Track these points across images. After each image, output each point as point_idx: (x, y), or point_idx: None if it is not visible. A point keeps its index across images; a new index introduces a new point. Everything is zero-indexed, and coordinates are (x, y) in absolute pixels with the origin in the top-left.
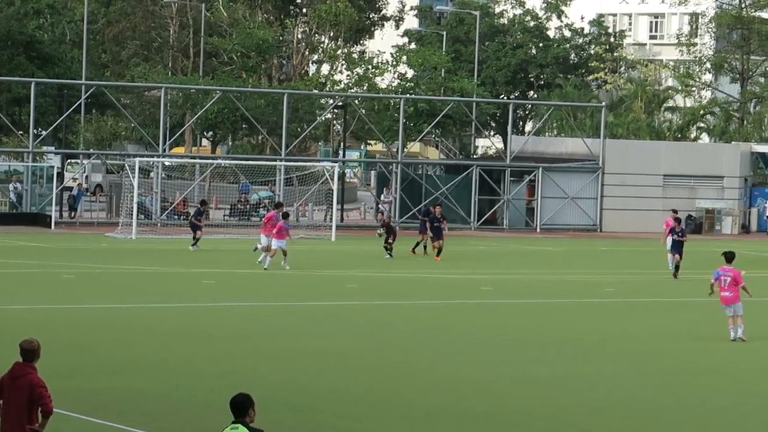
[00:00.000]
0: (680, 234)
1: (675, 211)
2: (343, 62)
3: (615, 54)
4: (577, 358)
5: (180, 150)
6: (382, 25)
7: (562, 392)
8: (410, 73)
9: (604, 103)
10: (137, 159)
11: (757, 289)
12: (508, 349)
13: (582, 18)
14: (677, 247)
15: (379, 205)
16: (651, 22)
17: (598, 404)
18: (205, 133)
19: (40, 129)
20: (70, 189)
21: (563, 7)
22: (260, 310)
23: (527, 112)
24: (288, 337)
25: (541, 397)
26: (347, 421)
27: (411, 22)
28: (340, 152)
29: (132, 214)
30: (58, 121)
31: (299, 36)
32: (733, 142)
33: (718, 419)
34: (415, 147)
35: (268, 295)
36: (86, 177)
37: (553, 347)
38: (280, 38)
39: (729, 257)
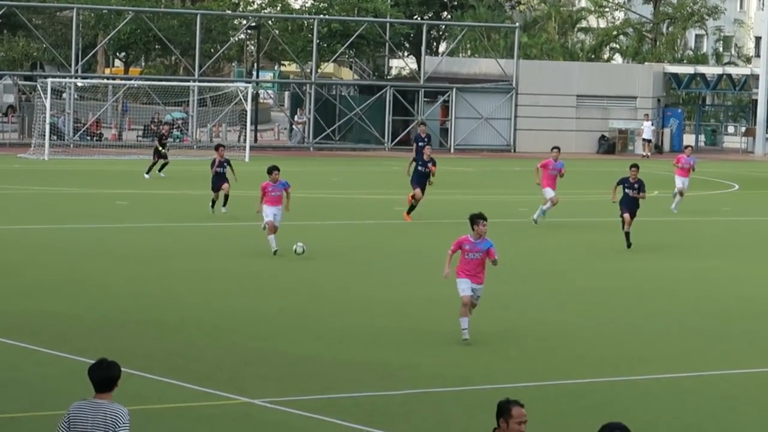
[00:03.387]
0: (636, 188)
1: (634, 167)
2: None
3: None
4: (490, 278)
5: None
6: None
7: (476, 312)
8: None
9: (517, 24)
10: (49, 80)
11: (666, 208)
12: (422, 269)
13: None
14: (629, 205)
15: (292, 125)
16: None
17: (511, 324)
18: (117, 54)
19: None
20: None
21: None
22: (174, 231)
23: (441, 33)
24: (202, 258)
25: (455, 317)
26: (262, 341)
27: None
28: (254, 73)
29: (44, 135)
30: None
31: None
32: (645, 63)
33: (630, 338)
34: (328, 68)
35: (183, 216)
36: None
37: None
38: None
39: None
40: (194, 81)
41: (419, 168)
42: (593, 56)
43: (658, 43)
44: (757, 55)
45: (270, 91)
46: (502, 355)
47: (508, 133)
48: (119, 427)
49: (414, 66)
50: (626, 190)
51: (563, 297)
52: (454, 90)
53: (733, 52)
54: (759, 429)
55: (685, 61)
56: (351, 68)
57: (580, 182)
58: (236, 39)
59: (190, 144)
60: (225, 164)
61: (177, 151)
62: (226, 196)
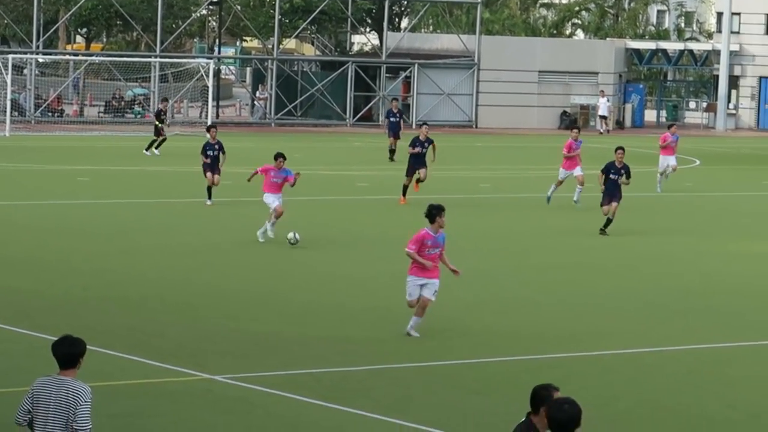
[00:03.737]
0: (622, 173)
1: (620, 149)
2: None
3: None
4: (452, 254)
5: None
6: None
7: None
8: None
9: (479, 0)
10: (10, 56)
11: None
12: (385, 245)
13: None
14: (613, 191)
15: (254, 101)
16: None
17: (472, 300)
18: (79, 29)
19: None
20: None
21: None
22: (136, 207)
23: (403, 9)
24: (164, 234)
25: None
26: (224, 318)
27: None
28: (216, 49)
29: (5, 112)
30: None
31: None
32: (607, 39)
33: (591, 314)
34: (290, 44)
35: (144, 192)
36: None
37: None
38: None
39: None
40: (156, 57)
41: (417, 148)
42: (555, 32)
43: (620, 18)
44: (719, 31)
45: (231, 67)
46: (464, 331)
47: (470, 108)
48: (80, 405)
49: (376, 42)
50: (612, 176)
51: (525, 273)
52: (416, 66)
53: (694, 28)
54: (718, 404)
55: (646, 37)
56: (313, 44)
57: (542, 157)
58: (198, 15)
59: (151, 120)
60: (218, 148)
61: (138, 127)
62: (210, 187)
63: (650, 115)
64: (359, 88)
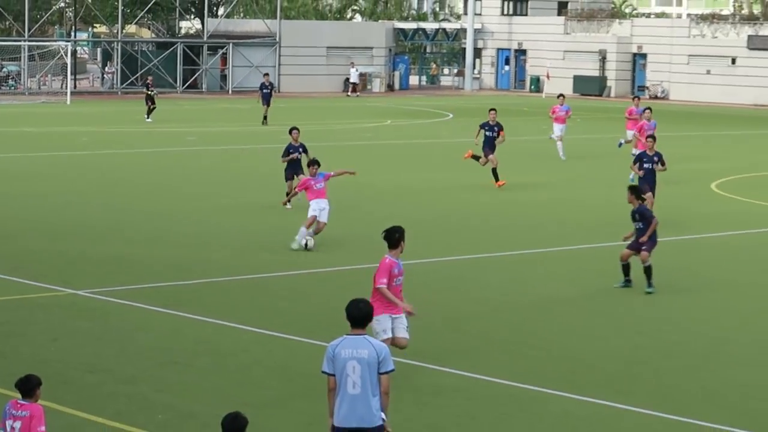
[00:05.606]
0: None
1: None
2: None
3: None
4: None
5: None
6: None
7: (249, 216)
8: None
9: None
10: None
11: (402, 134)
12: (213, 183)
13: None
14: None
15: (104, 75)
16: None
17: (283, 223)
18: None
19: None
20: None
21: None
22: (12, 161)
23: (220, 0)
24: (31, 182)
25: (241, 222)
26: (85, 245)
27: None
28: (72, 34)
29: None
30: None
31: None
32: (380, 21)
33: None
34: (132, 29)
35: (15, 148)
36: None
37: (256, 181)
38: None
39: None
40: (25, 41)
41: (487, 134)
42: (339, 16)
43: (389, 4)
44: (466, 13)
45: (85, 48)
46: (274, 249)
47: (274, 77)
48: None
49: (199, 26)
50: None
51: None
52: (231, 45)
53: (447, 11)
54: (475, 306)
55: (410, 19)
56: (149, 29)
57: (332, 115)
58: (57, 7)
59: (22, 91)
60: (300, 150)
61: (12, 97)
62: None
63: (414, 80)
64: (186, 63)
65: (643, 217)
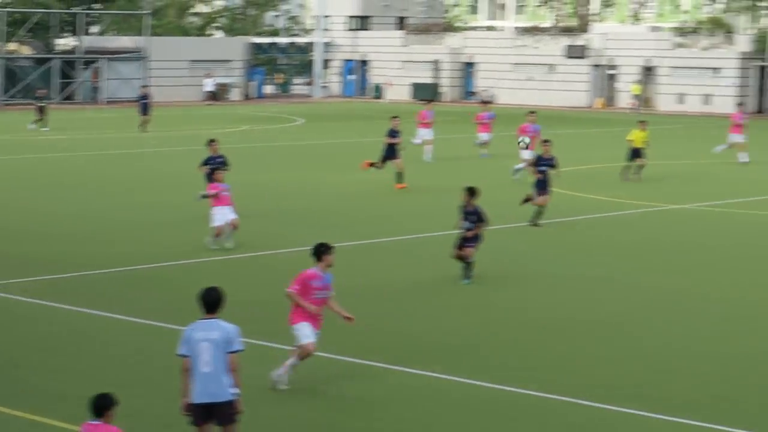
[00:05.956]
0: (548, 163)
1: (544, 141)
2: None
3: None
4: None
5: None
6: None
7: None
8: None
9: (148, 12)
10: None
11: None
12: (99, 188)
13: None
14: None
15: None
16: None
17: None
18: None
19: None
20: None
21: None
22: None
23: (94, 19)
24: None
25: (130, 216)
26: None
27: None
28: None
29: None
30: None
31: None
32: (237, 36)
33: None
34: (13, 46)
35: None
36: None
37: (130, 184)
38: None
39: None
40: None
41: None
42: (201, 33)
43: (246, 21)
44: (315, 29)
45: None
46: (154, 242)
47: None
48: None
49: (75, 43)
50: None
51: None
52: (105, 60)
53: (297, 28)
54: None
55: (265, 34)
56: (31, 46)
57: (195, 122)
58: None
59: None
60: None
61: None
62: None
63: (269, 89)
64: (64, 76)
65: (478, 217)
